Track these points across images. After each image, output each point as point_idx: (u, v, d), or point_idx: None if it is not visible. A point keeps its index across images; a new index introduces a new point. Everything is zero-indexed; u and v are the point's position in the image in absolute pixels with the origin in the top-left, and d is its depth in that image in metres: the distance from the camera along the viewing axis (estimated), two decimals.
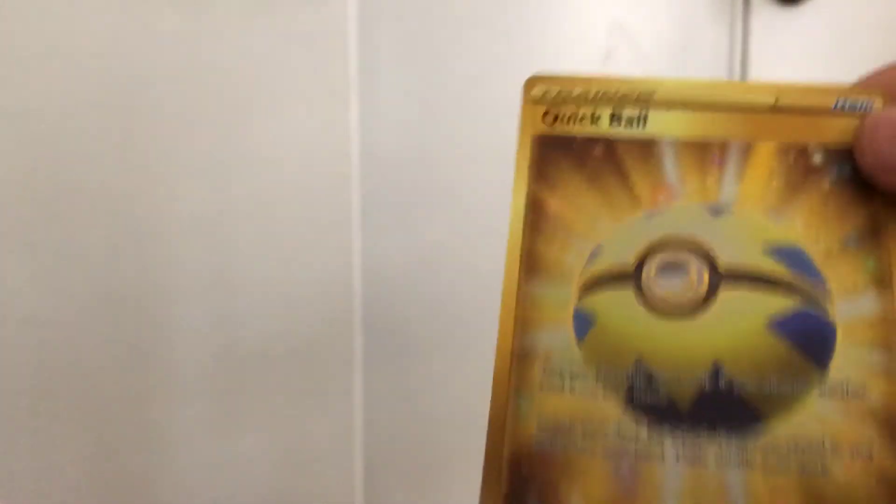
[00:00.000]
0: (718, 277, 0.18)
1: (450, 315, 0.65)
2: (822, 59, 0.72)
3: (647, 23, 0.67)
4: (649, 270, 0.18)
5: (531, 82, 0.21)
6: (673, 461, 0.17)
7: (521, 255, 0.20)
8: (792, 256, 0.18)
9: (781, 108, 0.19)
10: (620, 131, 0.20)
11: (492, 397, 0.20)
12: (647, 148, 0.19)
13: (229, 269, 0.56)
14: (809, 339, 0.17)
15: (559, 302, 0.19)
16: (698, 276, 0.18)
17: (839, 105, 0.19)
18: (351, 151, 0.58)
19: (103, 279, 0.52)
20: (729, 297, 0.18)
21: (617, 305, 0.18)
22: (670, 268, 0.18)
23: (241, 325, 0.57)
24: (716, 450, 0.17)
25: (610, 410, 0.18)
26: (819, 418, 0.17)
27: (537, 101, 0.21)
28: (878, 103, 0.19)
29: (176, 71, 0.53)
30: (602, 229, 0.19)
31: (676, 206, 0.19)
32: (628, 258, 0.19)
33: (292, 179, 0.57)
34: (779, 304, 0.18)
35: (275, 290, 0.57)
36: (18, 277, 0.50)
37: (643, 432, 0.17)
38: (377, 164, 0.61)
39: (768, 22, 0.69)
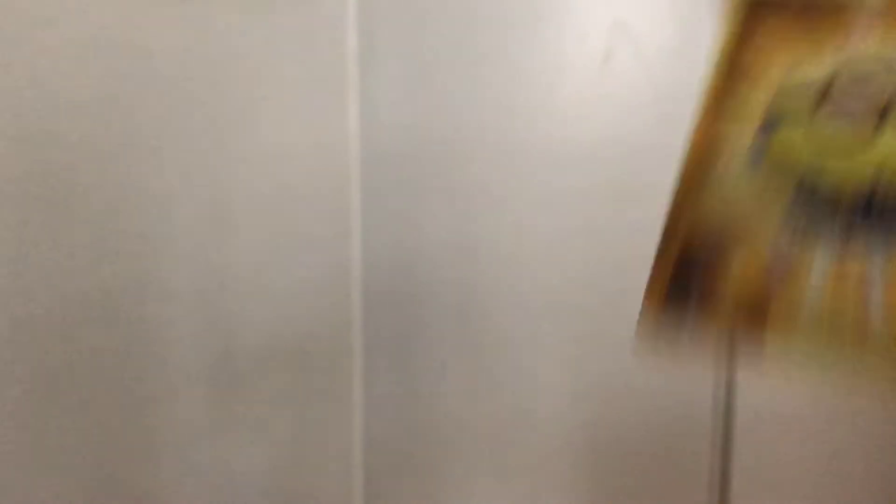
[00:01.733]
0: (888, 112, 0.19)
1: (449, 314, 0.65)
2: None
3: (647, 23, 0.66)
4: (837, 91, 0.19)
5: None
6: (824, 251, 0.18)
7: (726, 62, 0.21)
8: None
9: None
10: None
11: (681, 176, 0.21)
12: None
13: (228, 269, 0.56)
14: None
15: (755, 102, 0.20)
16: (879, 98, 0.19)
17: None
18: (350, 150, 0.58)
19: (101, 279, 0.52)
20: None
21: (804, 115, 0.19)
22: (856, 91, 0.19)
23: (241, 326, 0.57)
24: (864, 249, 0.18)
25: (780, 202, 0.19)
26: None
27: None
28: None
29: (175, 70, 0.52)
30: (800, 57, 0.20)
31: (870, 49, 0.19)
32: (820, 75, 0.20)
33: (291, 178, 0.57)
34: None
35: (274, 290, 0.57)
36: (17, 278, 0.50)
37: (803, 226, 0.18)
38: (376, 162, 0.61)
39: None
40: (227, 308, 0.56)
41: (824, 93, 0.19)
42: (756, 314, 0.18)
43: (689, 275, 0.19)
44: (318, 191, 0.58)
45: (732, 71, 0.22)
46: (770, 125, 0.20)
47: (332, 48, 0.57)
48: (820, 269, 0.18)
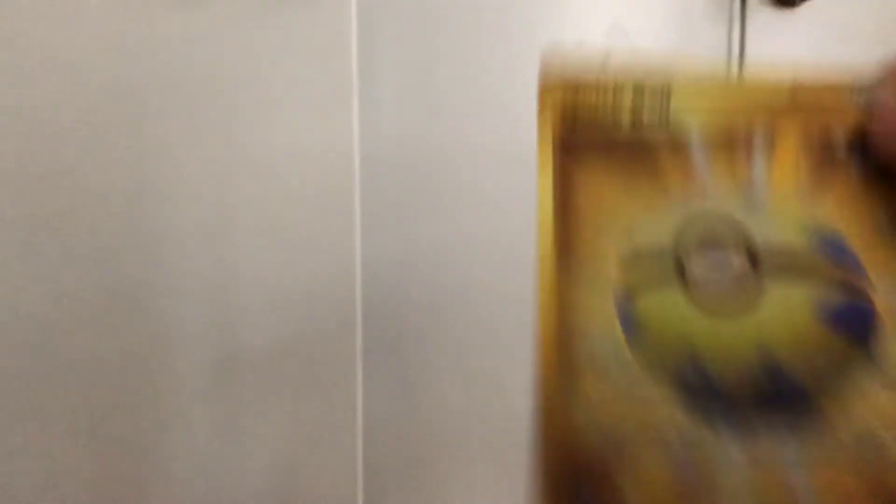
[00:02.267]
0: (760, 270, 0.18)
1: (451, 316, 0.66)
2: (819, 61, 0.72)
3: (645, 24, 0.67)
4: (693, 267, 0.18)
5: (547, 89, 0.21)
6: (735, 458, 0.16)
7: (553, 243, 0.19)
8: (833, 245, 0.18)
9: (799, 101, 0.19)
10: (643, 128, 0.19)
11: (539, 391, 0.18)
12: (674, 140, 0.19)
13: (230, 270, 0.56)
14: (858, 328, 0.17)
15: (601, 291, 0.18)
16: (741, 271, 0.18)
17: (855, 92, 0.19)
18: (352, 153, 0.59)
19: (105, 280, 0.53)
20: (773, 290, 0.17)
21: (665, 303, 0.18)
22: (713, 264, 0.18)
23: (243, 326, 0.57)
24: (777, 447, 0.16)
25: (665, 404, 0.17)
26: (878, 409, 0.16)
27: (555, 108, 0.21)
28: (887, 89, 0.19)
29: (176, 72, 0.53)
30: (635, 216, 0.19)
31: (710, 194, 0.18)
32: (666, 238, 0.18)
33: (293, 181, 0.57)
34: (823, 293, 0.17)
35: (276, 291, 0.58)
36: (19, 279, 0.50)
37: (698, 421, 0.17)
38: (378, 165, 0.61)
39: (765, 24, 0.70)
40: (229, 308, 0.56)
41: (678, 263, 0.18)
42: None
43: (582, 494, 0.17)
44: (320, 193, 0.58)
45: (561, 206, 0.19)
46: (631, 295, 0.18)
47: (334, 53, 0.57)
48: (733, 464, 0.16)
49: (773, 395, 0.17)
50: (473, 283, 0.65)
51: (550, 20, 0.64)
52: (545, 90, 0.21)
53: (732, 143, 0.19)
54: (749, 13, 0.69)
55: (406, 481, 0.67)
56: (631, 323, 0.18)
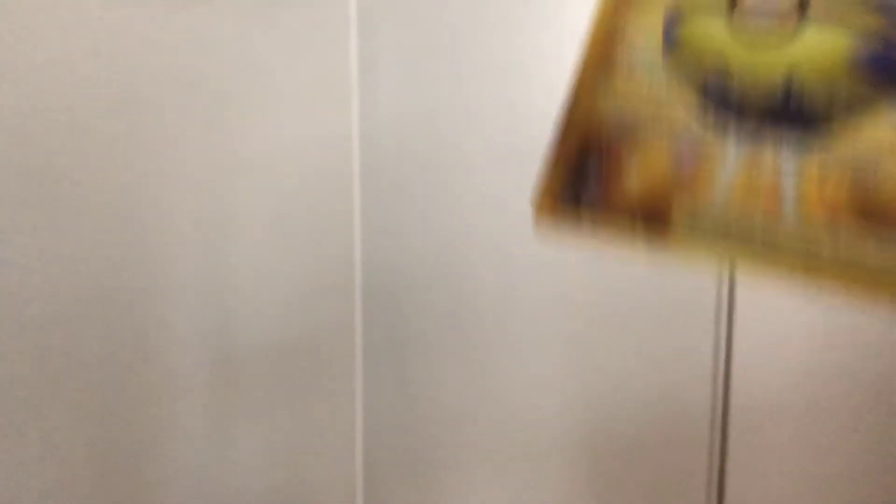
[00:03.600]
0: (808, 7, 0.18)
1: (450, 316, 0.65)
2: None
3: None
4: None
5: None
6: (733, 159, 0.18)
7: None
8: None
9: None
10: None
11: (578, 68, 0.20)
12: None
13: (230, 269, 0.56)
14: (886, 76, 0.17)
15: (654, 7, 0.19)
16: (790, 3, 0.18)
17: None
18: (352, 151, 0.59)
19: (103, 280, 0.53)
20: (817, 27, 0.18)
21: (707, 26, 0.18)
22: None
23: (243, 326, 0.57)
24: (776, 143, 0.18)
25: (685, 96, 0.18)
26: (883, 142, 0.17)
27: None
28: None
29: (178, 72, 0.53)
30: None
31: None
32: None
33: (293, 180, 0.57)
34: (864, 41, 0.17)
35: (276, 291, 0.58)
36: (20, 278, 0.50)
37: (710, 125, 0.18)
38: (378, 164, 0.61)
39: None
40: (230, 307, 0.56)
41: None
42: (661, 208, 0.18)
43: (589, 164, 0.19)
44: (320, 191, 0.58)
45: None
46: (680, 15, 0.19)
47: (334, 50, 0.57)
48: (730, 163, 0.18)
49: (789, 113, 0.18)
50: (473, 282, 0.65)
51: (550, 18, 0.64)
52: None
53: None
54: None
55: (405, 480, 0.67)
56: (672, 38, 0.19)
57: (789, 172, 0.17)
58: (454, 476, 0.68)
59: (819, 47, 0.17)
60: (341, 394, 0.61)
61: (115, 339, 0.53)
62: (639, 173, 0.18)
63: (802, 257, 0.17)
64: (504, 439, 0.68)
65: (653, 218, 0.18)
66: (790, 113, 0.18)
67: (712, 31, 0.18)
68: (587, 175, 0.18)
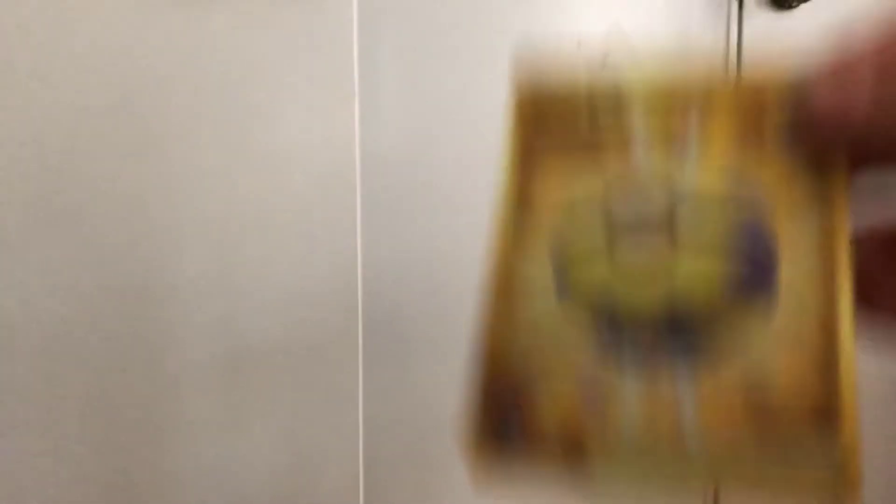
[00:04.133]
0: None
1: (451, 315, 0.66)
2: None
3: (644, 25, 0.68)
4: (616, 225, 0.20)
5: (515, 91, 0.23)
6: (633, 391, 0.19)
7: (511, 195, 0.22)
8: (751, 224, 0.20)
9: (741, 85, 0.21)
10: (598, 129, 0.22)
11: (484, 310, 0.21)
12: (619, 128, 0.21)
13: (234, 269, 0.57)
14: (759, 291, 0.19)
15: (542, 259, 0.21)
16: (660, 239, 0.20)
17: (794, 77, 0.21)
18: (354, 153, 0.59)
19: (108, 280, 0.53)
20: (688, 258, 0.19)
21: (590, 267, 0.20)
22: (635, 226, 0.20)
23: (246, 324, 0.57)
24: (669, 370, 0.19)
25: (580, 334, 0.20)
26: (763, 339, 0.19)
27: (520, 108, 0.23)
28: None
29: (180, 73, 0.53)
30: (574, 189, 0.21)
31: (642, 174, 0.20)
32: (597, 213, 0.21)
33: (295, 181, 0.57)
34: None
35: (278, 290, 0.58)
36: (26, 277, 0.51)
37: (609, 363, 0.19)
38: (379, 165, 0.62)
39: (762, 26, 0.71)
40: (233, 307, 0.57)
41: (606, 215, 0.20)
42: (575, 446, 0.19)
43: (506, 407, 0.20)
44: (322, 193, 0.58)
45: (518, 199, 0.23)
46: (565, 264, 0.21)
47: (336, 53, 0.57)
48: (630, 395, 0.19)
49: (677, 342, 0.19)
50: (473, 282, 0.66)
51: (550, 20, 0.64)
52: (514, 90, 0.23)
53: (669, 117, 0.21)
54: (746, 15, 0.70)
55: (406, 479, 0.68)
56: (562, 284, 0.20)
57: (686, 399, 0.19)
58: (454, 475, 0.68)
59: (694, 275, 0.19)
60: (343, 393, 0.62)
61: (122, 338, 0.54)
62: (551, 415, 0.19)
63: (711, 473, 0.19)
64: None
65: (572, 456, 0.19)
66: (679, 341, 0.19)
67: (596, 274, 0.20)
68: (507, 418, 0.20)
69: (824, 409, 0.18)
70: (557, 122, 0.22)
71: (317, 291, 0.59)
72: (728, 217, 0.20)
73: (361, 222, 0.60)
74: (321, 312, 0.60)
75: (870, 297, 0.21)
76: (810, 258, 0.20)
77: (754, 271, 0.20)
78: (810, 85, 0.20)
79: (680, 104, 0.21)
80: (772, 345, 0.19)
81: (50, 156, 0.50)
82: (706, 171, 0.20)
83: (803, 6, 0.70)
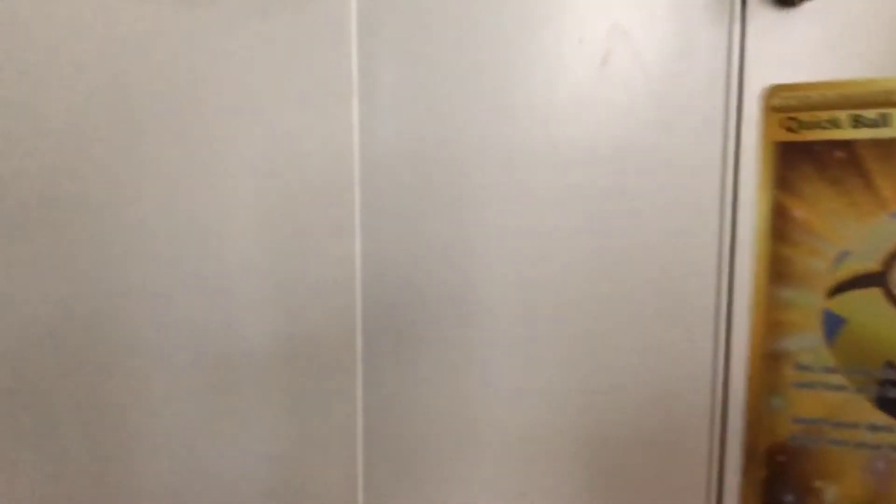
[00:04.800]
0: None
1: (451, 316, 0.66)
2: (819, 62, 0.72)
3: (645, 25, 0.67)
4: (891, 254, 0.18)
5: (771, 92, 0.21)
6: None
7: (768, 261, 0.20)
8: None
9: None
10: (861, 133, 0.20)
11: (747, 396, 0.19)
12: (891, 147, 0.19)
13: (231, 269, 0.56)
14: None
15: (807, 305, 0.19)
16: None
17: None
18: (352, 152, 0.59)
19: (104, 280, 0.53)
20: None
21: (866, 306, 0.18)
22: None
23: (243, 326, 0.57)
24: None
25: (861, 407, 0.18)
26: None
27: (777, 109, 0.21)
28: None
29: (175, 72, 0.53)
30: (847, 232, 0.19)
31: None
32: (875, 259, 0.19)
33: (293, 180, 0.57)
34: None
35: (277, 290, 0.58)
36: (16, 277, 0.51)
37: (887, 411, 0.17)
38: (378, 165, 0.61)
39: (765, 25, 0.70)
40: (230, 308, 0.57)
41: (884, 266, 0.18)
42: None
43: (782, 493, 0.17)
44: (320, 193, 0.58)
45: (779, 234, 0.20)
46: (839, 316, 0.19)
47: (335, 53, 0.57)
48: None
49: None
50: (473, 282, 0.65)
51: (550, 20, 0.64)
52: (770, 91, 0.21)
53: None
54: (749, 13, 0.69)
55: (406, 480, 0.68)
56: (834, 324, 0.18)
57: None
58: (454, 475, 0.68)
59: None
60: (341, 393, 0.62)
61: (114, 341, 0.54)
62: (838, 501, 0.17)
63: None
64: (505, 439, 0.69)
65: None
66: None
67: (871, 305, 0.18)
68: (786, 492, 0.18)
69: None
70: (817, 144, 0.20)
71: (316, 292, 0.59)
72: None
73: (360, 222, 0.60)
74: (320, 313, 0.59)
75: None
76: None
77: None
78: None
79: None
80: None
81: (44, 154, 0.50)
82: None
83: (807, 4, 0.69)
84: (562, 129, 0.65)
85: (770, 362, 0.18)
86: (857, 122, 0.19)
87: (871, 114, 0.19)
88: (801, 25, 0.70)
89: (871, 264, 0.18)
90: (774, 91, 0.21)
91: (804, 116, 0.20)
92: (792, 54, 0.71)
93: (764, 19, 0.69)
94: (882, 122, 0.19)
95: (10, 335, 0.51)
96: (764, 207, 0.20)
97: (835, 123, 0.20)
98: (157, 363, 0.55)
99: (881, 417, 0.17)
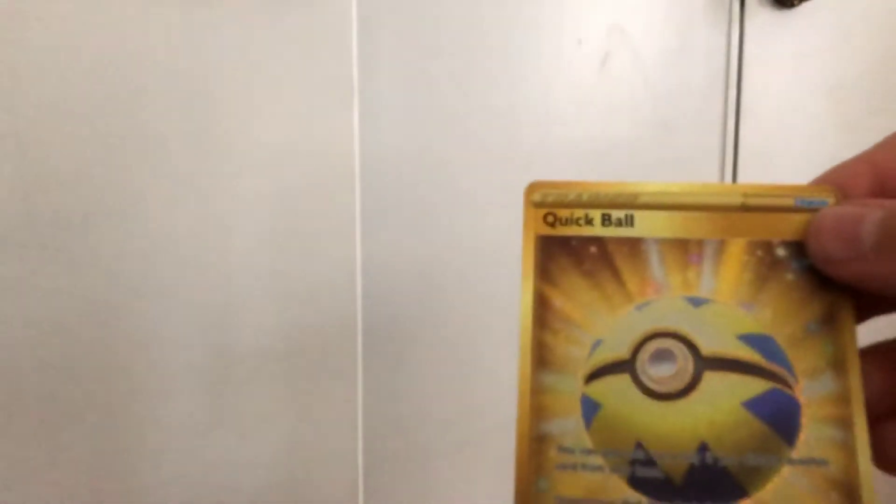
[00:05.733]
0: (701, 363, 0.21)
1: (450, 316, 0.66)
2: (817, 61, 0.73)
3: (645, 26, 0.67)
4: (643, 359, 0.21)
5: (532, 188, 0.23)
6: None
7: (531, 348, 0.22)
8: (762, 343, 0.21)
9: (749, 207, 0.22)
10: (610, 231, 0.22)
11: (515, 477, 0.21)
12: (635, 246, 0.22)
13: (231, 269, 0.57)
14: (779, 417, 0.20)
15: (568, 390, 0.21)
16: (684, 362, 0.21)
17: (799, 203, 0.22)
18: (352, 153, 0.59)
19: (103, 280, 0.53)
20: (710, 380, 0.21)
21: (617, 392, 0.21)
22: (660, 355, 0.21)
23: (243, 325, 0.57)
24: None
25: (617, 486, 0.20)
26: (790, 486, 0.20)
27: (538, 205, 0.23)
28: (831, 201, 0.22)
29: (176, 72, 0.53)
30: (600, 322, 0.22)
31: (662, 298, 0.22)
32: (624, 348, 0.21)
33: (294, 180, 0.57)
34: (752, 386, 0.21)
35: (276, 291, 0.58)
36: (15, 278, 0.51)
37: (639, 490, 0.20)
38: (378, 165, 0.61)
39: (764, 25, 0.70)
40: (230, 307, 0.57)
41: (632, 356, 0.21)
42: None
43: None
44: (321, 193, 0.58)
45: (539, 317, 0.23)
46: (594, 402, 0.21)
47: (335, 53, 0.57)
48: None
49: (706, 475, 0.20)
50: (473, 283, 0.66)
51: (550, 20, 0.64)
52: (531, 187, 0.23)
53: (685, 250, 0.22)
54: (748, 14, 0.70)
55: (406, 478, 0.68)
56: (590, 409, 0.21)
57: None
58: (453, 473, 0.68)
59: (715, 395, 0.20)
60: (343, 393, 0.62)
61: (115, 341, 0.54)
62: None
63: None
64: (505, 438, 0.69)
65: None
66: (710, 478, 0.20)
67: (622, 391, 0.21)
68: None
69: None
70: (570, 220, 0.23)
71: (316, 292, 0.59)
72: (742, 333, 0.21)
73: (360, 222, 0.60)
74: (320, 313, 0.59)
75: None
76: (824, 380, 0.21)
77: (771, 387, 0.21)
78: (814, 229, 0.21)
79: (693, 229, 0.22)
80: (798, 476, 0.20)
81: (43, 155, 0.50)
82: (720, 290, 0.22)
83: (805, 4, 0.70)
84: (561, 128, 0.65)
85: (535, 445, 0.21)
86: (607, 221, 0.22)
87: (619, 213, 0.22)
88: (798, 26, 0.71)
89: (621, 353, 0.21)
90: (534, 187, 0.23)
91: (561, 212, 0.23)
92: (790, 54, 0.72)
93: (762, 20, 0.70)
94: (627, 222, 0.22)
95: (10, 334, 0.51)
96: (527, 297, 0.22)
97: (588, 221, 0.23)
98: (158, 362, 0.55)
99: (633, 495, 0.20)
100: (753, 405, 0.20)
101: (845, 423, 0.20)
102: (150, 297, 0.54)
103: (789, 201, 0.22)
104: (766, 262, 0.22)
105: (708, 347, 0.21)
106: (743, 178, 0.73)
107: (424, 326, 0.65)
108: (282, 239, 0.58)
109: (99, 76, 0.51)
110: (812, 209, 0.22)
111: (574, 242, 0.23)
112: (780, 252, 0.22)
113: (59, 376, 0.52)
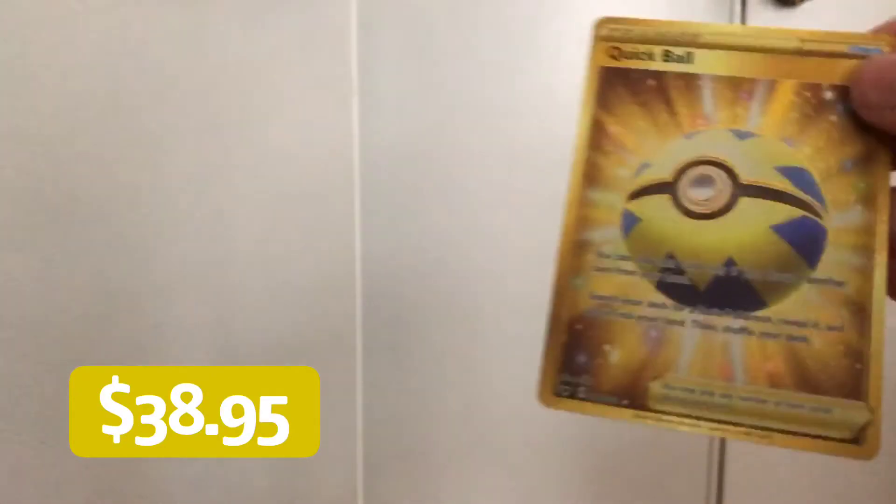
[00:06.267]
0: (738, 189, 0.22)
1: (450, 315, 0.66)
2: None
3: None
4: (684, 182, 0.23)
5: (601, 22, 0.25)
6: (690, 327, 0.22)
7: (583, 167, 0.24)
8: (798, 175, 0.22)
9: (804, 51, 0.23)
10: (670, 66, 0.24)
11: (555, 276, 0.23)
12: (691, 81, 0.24)
13: (230, 268, 0.57)
14: (805, 240, 0.22)
15: (612, 205, 0.23)
16: (723, 187, 0.22)
17: (853, 50, 0.23)
18: (352, 150, 0.59)
19: (103, 278, 0.53)
20: (744, 205, 0.22)
21: (656, 209, 0.23)
22: (701, 180, 0.23)
23: (243, 325, 0.57)
24: (723, 321, 0.22)
25: (645, 288, 0.22)
26: (806, 301, 0.22)
27: (604, 39, 0.25)
28: (886, 50, 0.23)
29: (178, 71, 0.53)
30: (649, 147, 0.23)
31: (710, 130, 0.23)
32: (668, 172, 0.23)
33: (293, 179, 0.57)
34: (783, 212, 0.22)
35: (276, 289, 0.58)
36: (19, 276, 0.51)
37: (669, 306, 0.22)
38: (377, 162, 0.61)
39: (765, 24, 0.70)
40: (229, 305, 0.57)
41: (675, 176, 0.23)
42: (639, 390, 0.22)
43: (576, 359, 0.23)
44: (320, 190, 0.58)
45: (593, 141, 0.25)
46: (633, 216, 0.23)
47: (335, 53, 0.57)
48: (689, 340, 0.22)
49: (729, 285, 0.22)
50: (473, 281, 0.66)
51: (550, 20, 0.64)
52: (600, 22, 0.25)
53: (738, 88, 0.23)
54: (749, 13, 0.70)
55: (406, 478, 0.68)
56: (630, 221, 0.23)
57: (736, 343, 0.21)
58: (453, 473, 0.68)
59: (747, 217, 0.22)
60: (342, 393, 0.62)
61: (114, 338, 0.54)
62: (619, 361, 0.22)
63: (751, 419, 0.21)
64: (505, 438, 0.69)
65: (634, 398, 0.22)
66: (733, 288, 0.22)
67: (660, 207, 0.23)
68: (577, 369, 0.23)
69: (856, 352, 0.21)
70: (633, 51, 0.24)
71: (315, 290, 0.59)
72: (780, 164, 0.22)
73: (360, 221, 0.60)
74: (319, 311, 0.59)
75: None
76: (853, 213, 0.22)
77: (801, 214, 0.22)
78: (857, 75, 0.22)
79: (747, 68, 0.23)
80: (814, 293, 0.21)
81: (44, 153, 0.50)
82: (766, 125, 0.23)
83: (806, 3, 0.69)
84: (561, 128, 0.65)
85: (576, 249, 0.23)
86: (668, 57, 0.24)
87: (679, 51, 0.24)
88: (800, 24, 0.70)
89: (665, 175, 0.23)
90: (603, 22, 0.25)
91: (626, 47, 0.24)
92: None
93: (764, 19, 0.70)
94: (687, 59, 0.24)
95: (13, 333, 0.51)
96: (585, 122, 0.24)
97: (650, 56, 0.24)
98: (158, 362, 0.55)
99: (659, 297, 0.22)
100: (782, 229, 0.22)
101: (867, 251, 0.22)
102: (150, 297, 0.54)
103: (843, 47, 0.23)
104: (812, 103, 0.23)
105: (746, 176, 0.22)
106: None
107: (424, 325, 0.65)
108: (281, 238, 0.58)
109: (99, 76, 0.51)
110: (864, 56, 0.23)
111: (634, 75, 0.24)
112: (828, 95, 0.23)
113: (51, 372, 0.52)
